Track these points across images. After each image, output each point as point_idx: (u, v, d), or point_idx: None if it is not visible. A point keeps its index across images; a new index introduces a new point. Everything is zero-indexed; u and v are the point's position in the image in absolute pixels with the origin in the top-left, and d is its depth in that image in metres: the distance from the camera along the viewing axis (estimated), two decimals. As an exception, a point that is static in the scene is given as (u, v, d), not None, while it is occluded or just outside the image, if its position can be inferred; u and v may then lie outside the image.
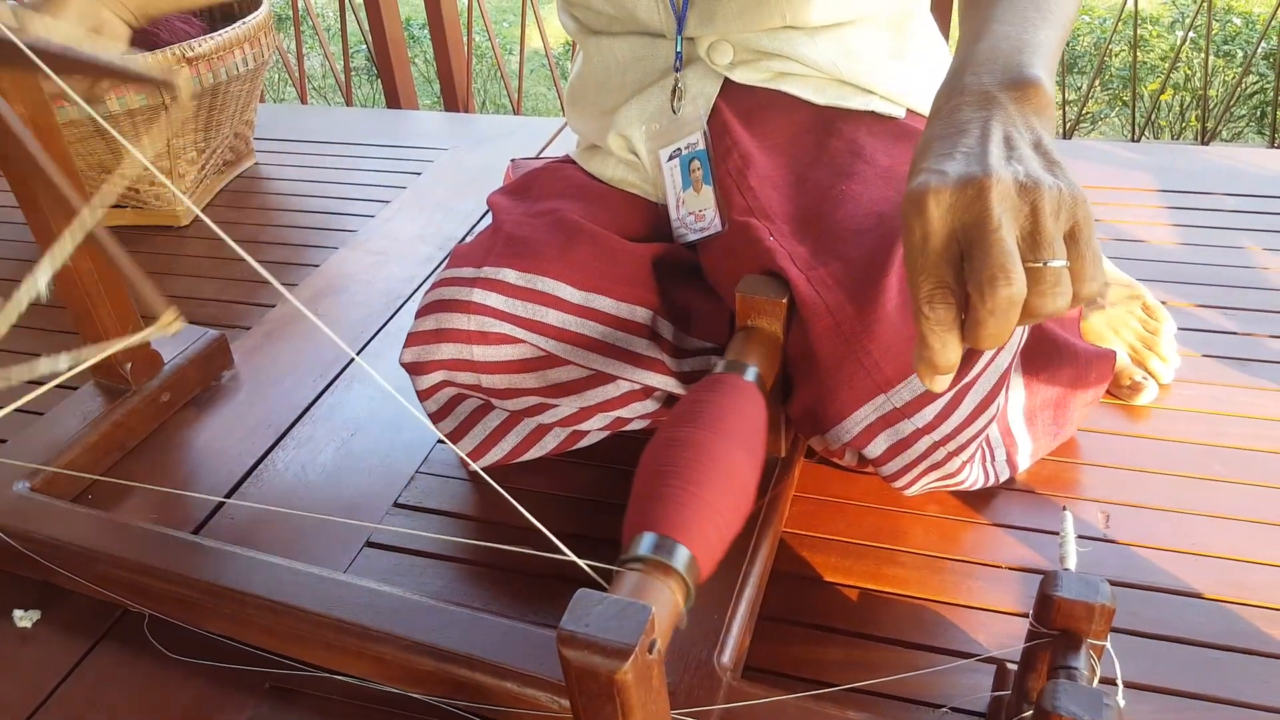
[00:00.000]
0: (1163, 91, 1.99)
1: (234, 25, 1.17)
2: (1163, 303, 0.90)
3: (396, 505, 0.79)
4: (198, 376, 0.92)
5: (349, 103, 2.10)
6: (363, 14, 1.96)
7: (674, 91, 0.80)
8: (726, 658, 0.59)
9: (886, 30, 0.78)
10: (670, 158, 0.80)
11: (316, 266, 1.13)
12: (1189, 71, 2.03)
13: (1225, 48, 2.07)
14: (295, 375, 0.94)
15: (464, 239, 1.18)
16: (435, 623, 0.62)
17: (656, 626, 0.43)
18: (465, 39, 2.02)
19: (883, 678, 0.62)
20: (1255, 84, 2.04)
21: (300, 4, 2.07)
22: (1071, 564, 0.49)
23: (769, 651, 0.65)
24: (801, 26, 0.75)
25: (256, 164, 1.41)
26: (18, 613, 0.71)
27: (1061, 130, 1.78)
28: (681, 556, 0.47)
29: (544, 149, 1.38)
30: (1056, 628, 0.47)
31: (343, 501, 0.79)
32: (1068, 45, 2.37)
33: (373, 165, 1.40)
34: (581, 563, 0.45)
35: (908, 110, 0.78)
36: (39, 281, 0.46)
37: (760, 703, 0.55)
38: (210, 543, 0.71)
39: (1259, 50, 1.97)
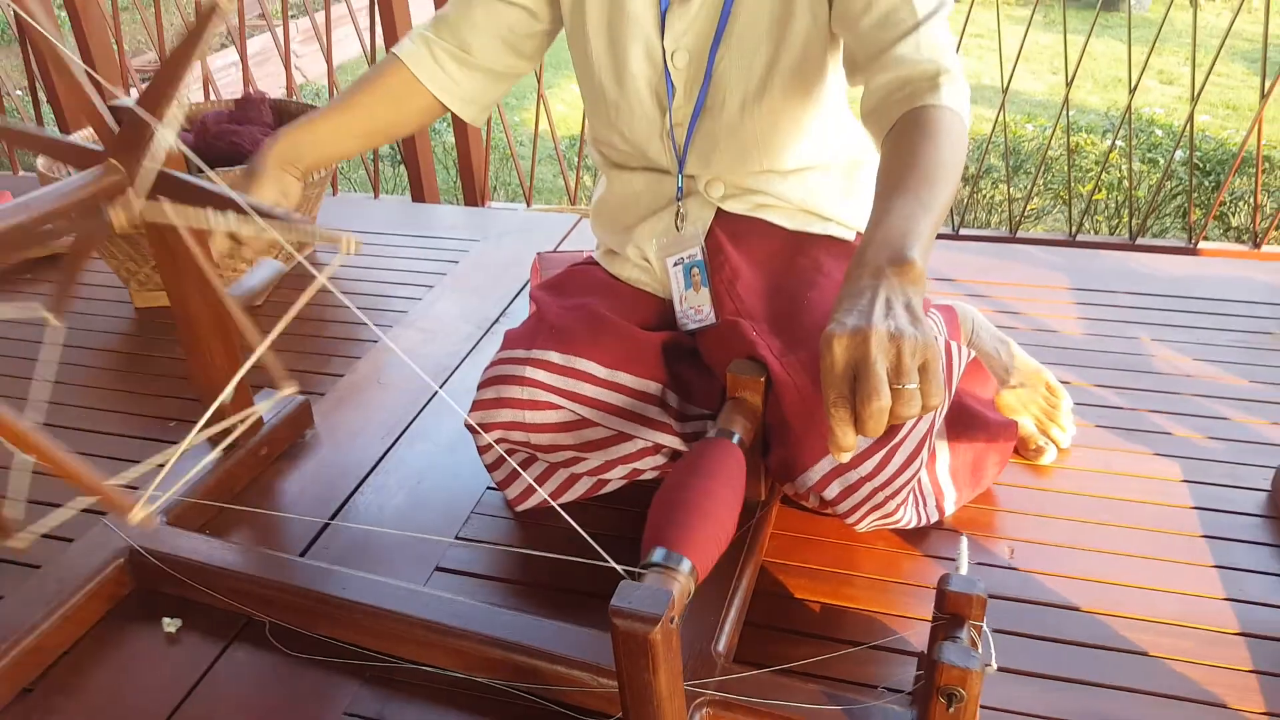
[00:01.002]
0: (1096, 192, 2.27)
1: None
2: (1065, 382, 1.13)
3: (458, 539, 0.99)
4: (287, 435, 1.13)
5: (376, 194, 2.34)
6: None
7: (678, 215, 1.03)
8: (721, 647, 0.80)
9: (840, 174, 1.02)
10: (675, 264, 1.03)
11: (374, 342, 1.34)
12: (1120, 175, 2.31)
13: (1149, 155, 2.35)
14: (366, 434, 1.15)
15: (497, 320, 1.40)
16: (500, 623, 0.83)
17: (675, 605, 0.64)
18: (485, 139, 2.28)
19: (831, 654, 0.82)
20: (1176, 187, 2.32)
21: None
22: (963, 570, 0.70)
23: (752, 649, 0.85)
24: (776, 170, 0.99)
25: (315, 251, 1.64)
26: (165, 620, 0.90)
27: (1009, 225, 2.04)
28: (686, 564, 0.67)
29: (560, 244, 1.61)
30: (947, 612, 0.68)
31: (413, 536, 0.99)
32: (1015, 151, 2.66)
33: (411, 254, 1.62)
34: (618, 567, 0.66)
35: (856, 234, 1.01)
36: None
37: (743, 676, 0.76)
38: (315, 563, 0.92)
39: (1175, 158, 2.26)
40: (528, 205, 2.33)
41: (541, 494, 1.01)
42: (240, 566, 0.91)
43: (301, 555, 0.97)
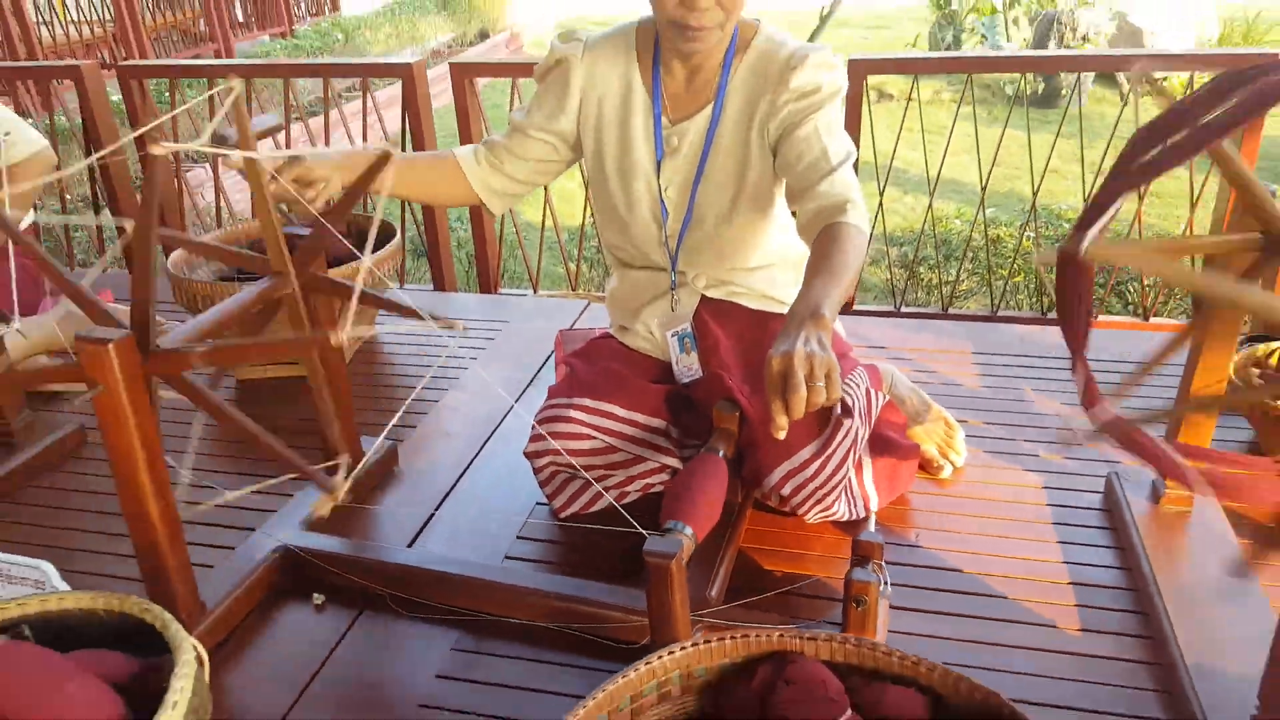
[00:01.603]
0: (1013, 275, 2.71)
1: (386, 248, 1.79)
2: (962, 421, 1.52)
3: (518, 538, 1.36)
4: (381, 471, 1.49)
5: (402, 284, 2.73)
6: (411, 209, 2.63)
7: (672, 300, 1.43)
8: (713, 594, 1.16)
9: (792, 269, 1.42)
10: (672, 336, 1.42)
11: (436, 402, 1.72)
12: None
13: (1058, 243, 2.78)
14: (441, 467, 1.52)
15: (530, 382, 1.78)
16: (558, 584, 1.19)
17: (683, 554, 1.01)
18: (499, 234, 2.69)
19: (787, 589, 1.19)
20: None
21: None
22: (870, 529, 1.07)
23: (734, 598, 1.21)
24: (743, 268, 1.39)
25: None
26: (315, 595, 1.25)
27: (942, 304, 2.46)
28: (689, 530, 1.04)
29: (574, 323, 2.00)
30: (859, 555, 1.05)
31: (486, 535, 1.35)
32: (945, 241, 3.11)
33: (450, 334, 2.01)
34: (645, 532, 1.02)
35: (803, 313, 1.41)
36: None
37: (728, 607, 1.12)
38: (420, 550, 1.27)
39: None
40: (534, 291, 2.73)
41: (596, 487, 1.38)
42: (367, 555, 1.27)
43: (408, 547, 1.33)
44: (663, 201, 1.38)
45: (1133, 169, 0.82)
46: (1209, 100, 0.75)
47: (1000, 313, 2.42)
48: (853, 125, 2.27)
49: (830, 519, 1.30)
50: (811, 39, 8.15)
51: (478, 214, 2.61)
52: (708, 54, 1.29)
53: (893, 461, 1.37)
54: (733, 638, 0.84)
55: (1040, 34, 7.26)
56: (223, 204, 3.01)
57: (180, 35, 8.79)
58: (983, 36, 7.73)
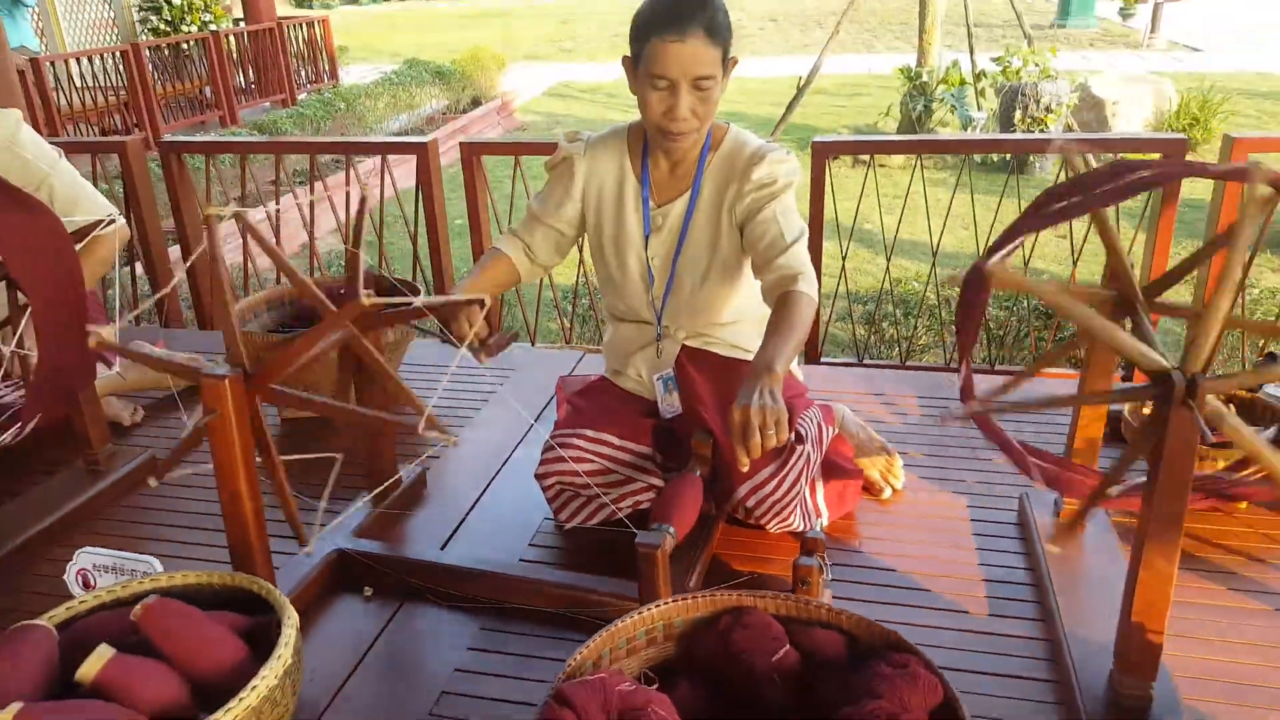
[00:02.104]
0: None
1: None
2: (902, 453, 1.81)
3: (530, 544, 1.63)
4: (413, 493, 1.77)
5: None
6: (422, 270, 2.94)
7: (658, 349, 1.72)
8: (691, 583, 1.44)
9: (756, 324, 1.72)
10: (658, 379, 1.71)
11: (458, 435, 2.00)
12: (985, 320, 3.10)
13: (1005, 303, 3.13)
14: (464, 488, 1.80)
15: (539, 415, 2.06)
16: (564, 578, 1.46)
17: (666, 545, 1.29)
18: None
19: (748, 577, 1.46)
20: (1024, 327, 3.08)
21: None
22: (818, 528, 1.35)
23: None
24: (716, 323, 1.69)
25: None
26: (365, 589, 1.52)
27: (901, 357, 2.77)
28: (671, 529, 1.33)
29: (572, 370, 2.29)
30: (805, 548, 1.33)
31: (504, 541, 1.63)
32: (902, 300, 3.43)
33: (463, 382, 2.29)
34: (637, 531, 1.30)
35: (767, 360, 1.71)
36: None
37: (701, 591, 1.39)
38: (451, 551, 1.55)
39: (1027, 305, 3.04)
40: (533, 344, 3.03)
41: (603, 499, 1.65)
42: (408, 555, 1.54)
43: (441, 549, 1.60)
44: (650, 269, 1.68)
45: (1037, 217, 1.13)
46: (1102, 178, 1.06)
47: (952, 364, 2.73)
48: (818, 194, 2.60)
49: (788, 529, 1.58)
50: (790, 107, 8.64)
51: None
52: (686, 150, 1.60)
53: (841, 483, 1.66)
54: (703, 597, 1.11)
55: (1006, 104, 7.71)
56: (251, 268, 3.31)
57: (187, 102, 9.20)
58: (952, 107, 8.20)
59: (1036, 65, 7.54)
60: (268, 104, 9.89)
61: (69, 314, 1.60)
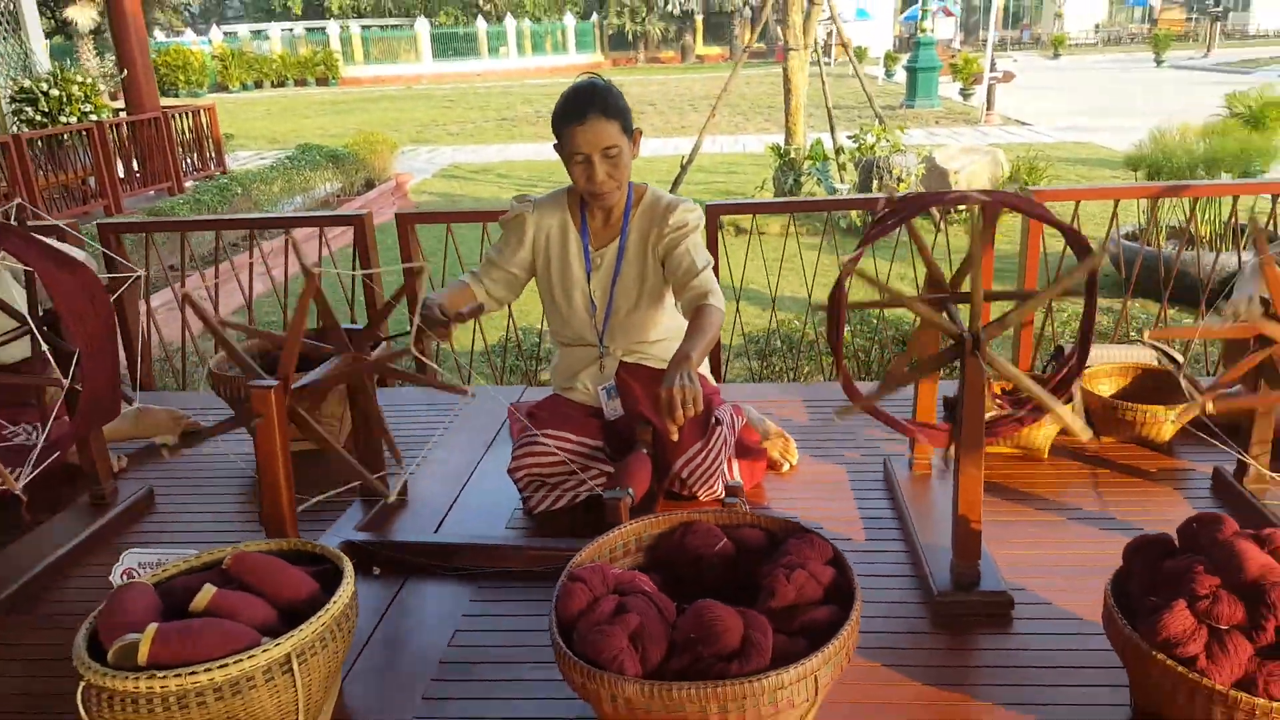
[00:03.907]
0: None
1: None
2: (796, 437, 2.27)
3: (507, 527, 1.99)
4: (397, 501, 2.11)
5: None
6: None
7: (600, 366, 2.14)
8: (642, 537, 1.84)
9: (679, 341, 2.15)
10: (602, 389, 2.13)
11: (426, 455, 2.34)
12: (857, 349, 3.67)
13: (869, 334, 3.70)
14: (442, 492, 2.14)
15: (496, 434, 2.43)
16: (540, 542, 1.84)
17: (627, 500, 1.69)
18: (436, 345, 3.35)
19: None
20: (888, 354, 3.66)
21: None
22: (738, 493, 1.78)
23: (655, 548, 1.88)
24: (648, 341, 2.13)
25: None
26: (374, 568, 1.85)
27: (788, 379, 3.25)
28: (631, 490, 1.74)
29: (520, 398, 2.67)
30: (730, 493, 1.75)
31: (484, 526, 1.98)
32: (786, 337, 3.97)
33: (425, 412, 2.64)
34: (604, 494, 1.70)
35: (686, 368, 2.15)
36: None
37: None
38: (442, 533, 1.90)
39: (890, 336, 3.61)
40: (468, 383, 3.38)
41: (581, 476, 2.03)
42: (410, 538, 1.88)
43: (434, 533, 1.95)
44: (591, 301, 2.10)
45: (875, 229, 1.60)
46: (913, 205, 1.54)
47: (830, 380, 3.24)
48: (712, 249, 3.09)
49: (714, 497, 2.00)
50: (676, 181, 9.33)
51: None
52: (614, 204, 2.05)
53: (751, 461, 2.10)
54: (662, 516, 1.51)
55: (864, 175, 8.59)
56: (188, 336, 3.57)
57: (69, 193, 9.17)
58: (818, 180, 9.04)
59: (888, 141, 8.46)
60: (152, 192, 9.94)
61: (106, 353, 1.90)
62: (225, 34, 32.35)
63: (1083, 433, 1.49)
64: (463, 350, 4.35)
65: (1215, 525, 1.32)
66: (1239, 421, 2.01)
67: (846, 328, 3.50)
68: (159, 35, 30.54)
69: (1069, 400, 1.88)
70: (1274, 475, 1.92)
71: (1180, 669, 1.18)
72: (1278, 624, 1.19)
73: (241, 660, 1.20)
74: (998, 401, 1.92)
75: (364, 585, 1.81)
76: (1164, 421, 2.19)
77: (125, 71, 10.19)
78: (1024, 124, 15.52)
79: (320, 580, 1.47)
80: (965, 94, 18.66)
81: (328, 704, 1.41)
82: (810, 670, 1.14)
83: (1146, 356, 2.50)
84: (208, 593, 1.36)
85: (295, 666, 1.24)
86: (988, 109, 15.79)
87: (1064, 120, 15.46)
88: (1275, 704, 1.13)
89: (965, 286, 1.74)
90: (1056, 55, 31.33)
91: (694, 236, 2.04)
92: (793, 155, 9.17)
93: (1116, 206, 3.30)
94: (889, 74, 24.27)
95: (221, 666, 1.19)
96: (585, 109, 1.91)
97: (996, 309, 2.81)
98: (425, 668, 1.57)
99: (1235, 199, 3.32)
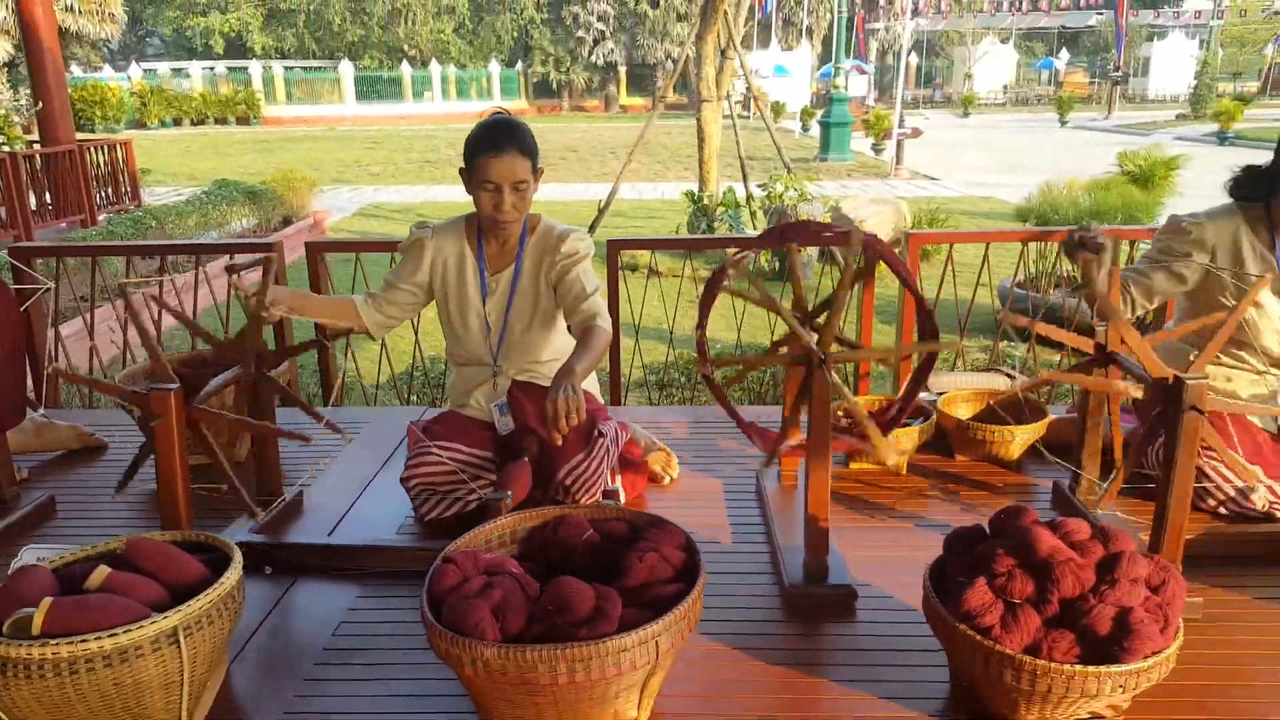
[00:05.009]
0: (735, 390, 3.80)
1: (282, 365, 2.52)
2: (679, 455, 2.43)
3: (397, 532, 2.10)
4: (294, 508, 2.19)
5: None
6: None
7: (494, 384, 2.28)
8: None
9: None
10: (494, 405, 2.26)
11: (324, 471, 2.43)
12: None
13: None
14: (337, 503, 2.23)
15: (395, 449, 2.53)
16: (426, 543, 1.95)
17: (506, 501, 1.82)
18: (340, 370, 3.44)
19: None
20: (770, 381, 3.89)
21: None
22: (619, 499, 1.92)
23: (539, 550, 2.01)
24: (540, 361, 2.27)
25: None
26: (267, 568, 1.93)
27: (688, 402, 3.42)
28: (510, 493, 1.87)
29: (420, 419, 2.78)
30: (606, 496, 1.89)
31: (376, 531, 2.08)
32: (685, 369, 4.16)
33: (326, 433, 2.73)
34: (483, 495, 1.83)
35: (574, 386, 2.30)
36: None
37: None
38: (336, 536, 1.99)
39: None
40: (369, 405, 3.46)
41: (471, 486, 2.14)
42: (303, 540, 1.97)
43: (328, 536, 2.04)
44: (487, 323, 2.25)
45: (764, 239, 1.78)
46: (791, 231, 1.73)
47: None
48: (613, 284, 3.27)
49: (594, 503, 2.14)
50: (593, 224, 9.54)
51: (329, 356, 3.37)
52: (510, 233, 2.21)
53: (633, 473, 2.25)
54: (535, 510, 1.65)
55: (773, 222, 8.95)
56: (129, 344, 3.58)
57: (-25, 224, 8.95)
58: (729, 226, 9.37)
59: (795, 190, 8.84)
60: (64, 224, 9.75)
61: (9, 364, 1.97)
62: (145, 71, 31.79)
63: (889, 458, 1.70)
64: (369, 378, 4.43)
65: (1018, 515, 1.52)
66: (1071, 443, 2.24)
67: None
68: (76, 70, 29.88)
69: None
70: (1101, 484, 2.16)
71: (978, 637, 1.36)
72: (1061, 597, 1.38)
73: (131, 631, 1.29)
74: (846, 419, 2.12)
75: (256, 583, 1.90)
76: (1011, 441, 2.42)
77: (40, 104, 10.02)
78: (932, 179, 16.28)
79: (211, 568, 1.56)
80: (877, 149, 19.48)
81: (213, 682, 1.49)
82: (651, 635, 1.29)
83: (1001, 384, 2.74)
84: (102, 572, 1.44)
85: (181, 639, 1.34)
86: (896, 163, 16.53)
87: (970, 175, 16.27)
88: (1053, 665, 1.31)
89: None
90: (966, 114, 32.88)
91: (584, 264, 2.20)
92: (705, 202, 9.49)
93: (988, 250, 3.59)
94: (805, 128, 25.15)
95: (111, 636, 1.27)
96: (503, 143, 2.07)
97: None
98: (309, 655, 1.66)
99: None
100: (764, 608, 1.81)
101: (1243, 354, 2.23)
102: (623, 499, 2.20)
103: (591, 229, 9.29)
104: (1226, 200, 2.24)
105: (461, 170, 2.16)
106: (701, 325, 1.87)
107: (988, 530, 1.59)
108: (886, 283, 5.66)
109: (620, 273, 3.32)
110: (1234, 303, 2.14)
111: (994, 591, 1.42)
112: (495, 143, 2.07)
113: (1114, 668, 1.27)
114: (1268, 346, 2.19)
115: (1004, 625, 1.38)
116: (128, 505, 2.31)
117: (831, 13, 18.62)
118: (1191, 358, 2.28)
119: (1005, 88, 41.35)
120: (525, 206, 2.15)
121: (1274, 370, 2.23)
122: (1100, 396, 2.01)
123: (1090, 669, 1.27)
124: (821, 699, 1.54)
